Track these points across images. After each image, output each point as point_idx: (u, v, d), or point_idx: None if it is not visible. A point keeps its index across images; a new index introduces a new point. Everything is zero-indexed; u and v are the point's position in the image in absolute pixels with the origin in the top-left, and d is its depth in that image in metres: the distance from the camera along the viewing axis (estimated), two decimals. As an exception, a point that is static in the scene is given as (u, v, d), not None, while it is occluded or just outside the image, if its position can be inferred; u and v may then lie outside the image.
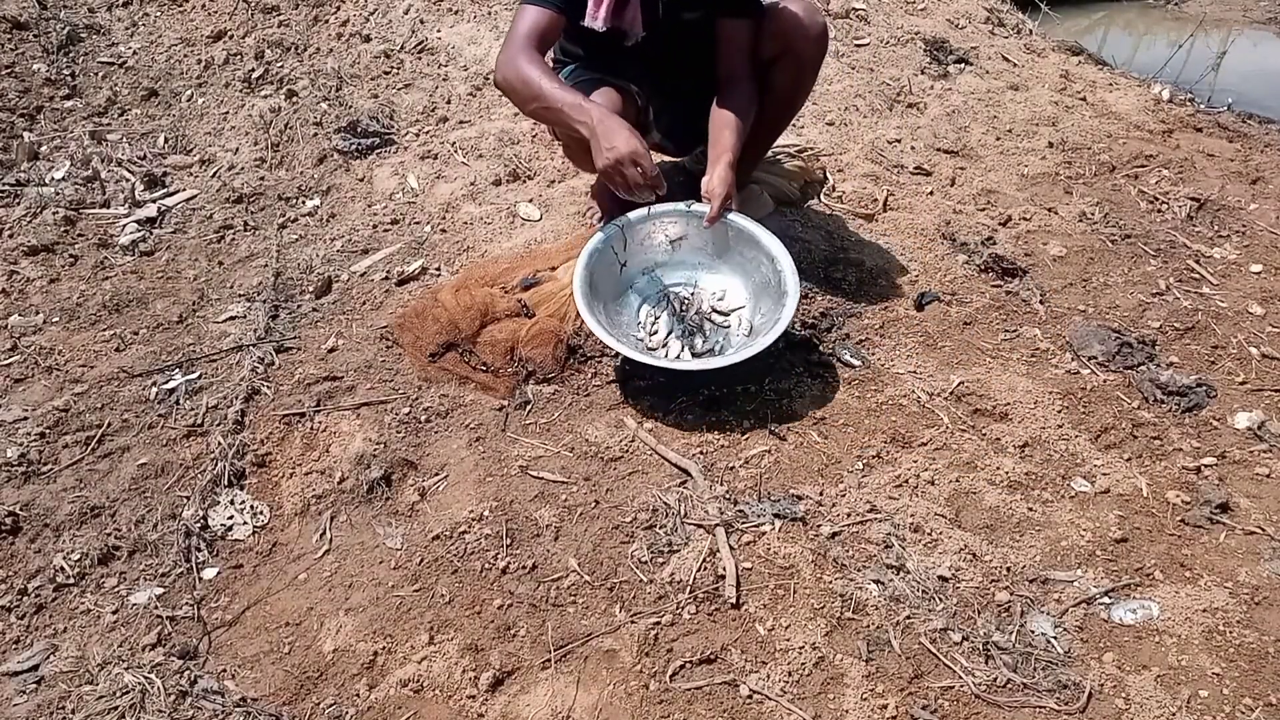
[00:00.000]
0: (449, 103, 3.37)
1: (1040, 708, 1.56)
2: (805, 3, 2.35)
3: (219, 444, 2.03)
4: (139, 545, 1.85)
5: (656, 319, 2.25)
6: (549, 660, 1.63)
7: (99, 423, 2.12)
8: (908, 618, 1.69)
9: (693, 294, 2.28)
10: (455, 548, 1.83)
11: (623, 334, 2.17)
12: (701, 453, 2.01)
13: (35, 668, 1.64)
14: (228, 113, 3.45)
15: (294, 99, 3.41)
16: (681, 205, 2.22)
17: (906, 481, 1.95)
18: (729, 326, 2.23)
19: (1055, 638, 1.66)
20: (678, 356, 2.16)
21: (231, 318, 2.47)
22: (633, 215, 2.24)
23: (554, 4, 2.15)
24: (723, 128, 2.24)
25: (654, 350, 2.18)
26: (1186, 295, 2.56)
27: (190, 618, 1.72)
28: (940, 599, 1.72)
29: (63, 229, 2.81)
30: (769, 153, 2.81)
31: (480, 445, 2.05)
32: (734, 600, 1.71)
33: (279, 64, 3.64)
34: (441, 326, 2.29)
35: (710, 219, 2.17)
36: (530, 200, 2.85)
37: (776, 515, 1.86)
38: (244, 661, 1.66)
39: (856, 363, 2.27)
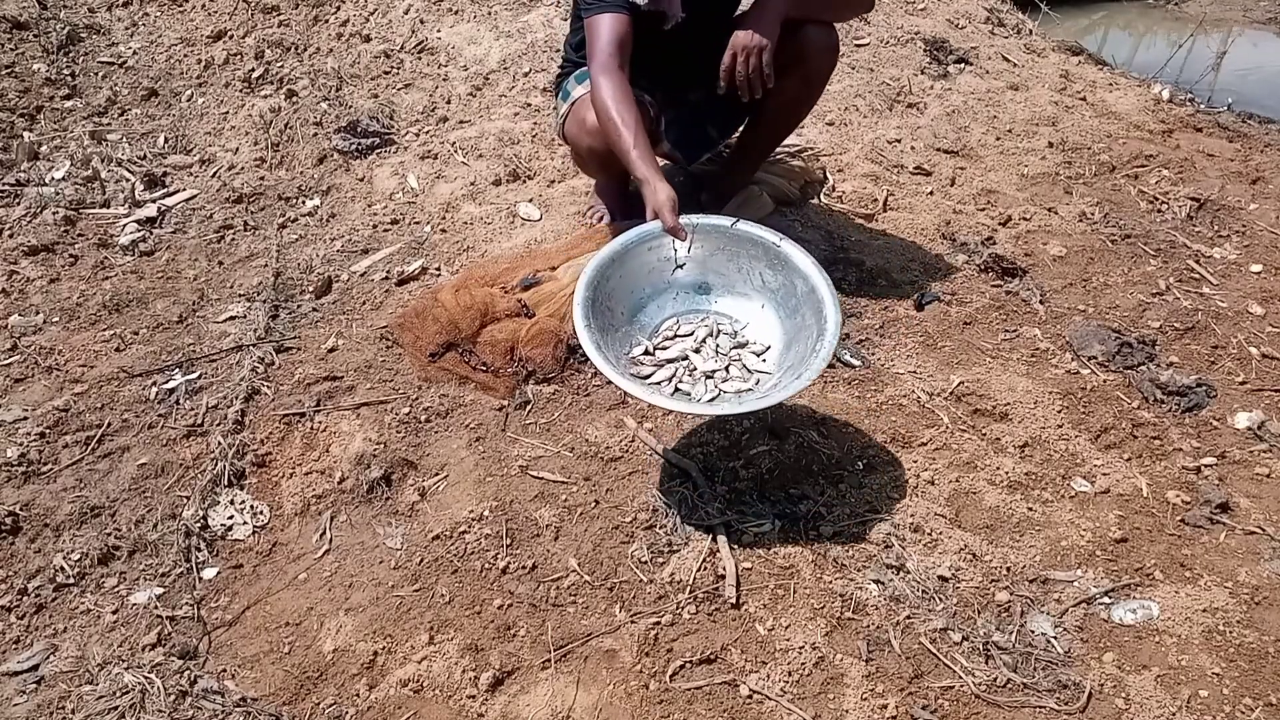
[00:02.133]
0: (449, 103, 3.37)
1: (1040, 708, 1.56)
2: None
3: (219, 444, 2.03)
4: (139, 545, 1.85)
5: (674, 336, 1.98)
6: (549, 660, 1.63)
7: (99, 423, 2.12)
8: (908, 618, 1.69)
9: (735, 334, 1.99)
10: (455, 548, 1.83)
11: (629, 329, 1.98)
12: (701, 453, 2.01)
13: (35, 668, 1.64)
14: (228, 113, 3.45)
15: (294, 99, 3.41)
16: (772, 237, 1.96)
17: (906, 481, 1.95)
18: (744, 386, 1.90)
19: (1055, 638, 1.66)
20: (664, 382, 1.89)
21: (231, 318, 2.47)
22: (712, 219, 2.00)
23: (621, 4, 2.10)
24: None
25: (643, 357, 1.94)
26: (1186, 295, 2.56)
27: (190, 618, 1.72)
28: (940, 599, 1.72)
29: (63, 229, 2.81)
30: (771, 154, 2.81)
31: (480, 445, 2.05)
32: (734, 600, 1.71)
33: (279, 64, 3.64)
34: (441, 326, 2.29)
35: (723, 69, 2.12)
36: (530, 200, 2.85)
37: (776, 515, 1.86)
38: (244, 661, 1.66)
39: (856, 363, 2.27)
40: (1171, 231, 2.84)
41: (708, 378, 1.89)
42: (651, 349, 1.95)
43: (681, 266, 2.02)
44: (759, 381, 1.88)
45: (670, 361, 1.92)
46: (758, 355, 1.94)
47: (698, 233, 1.98)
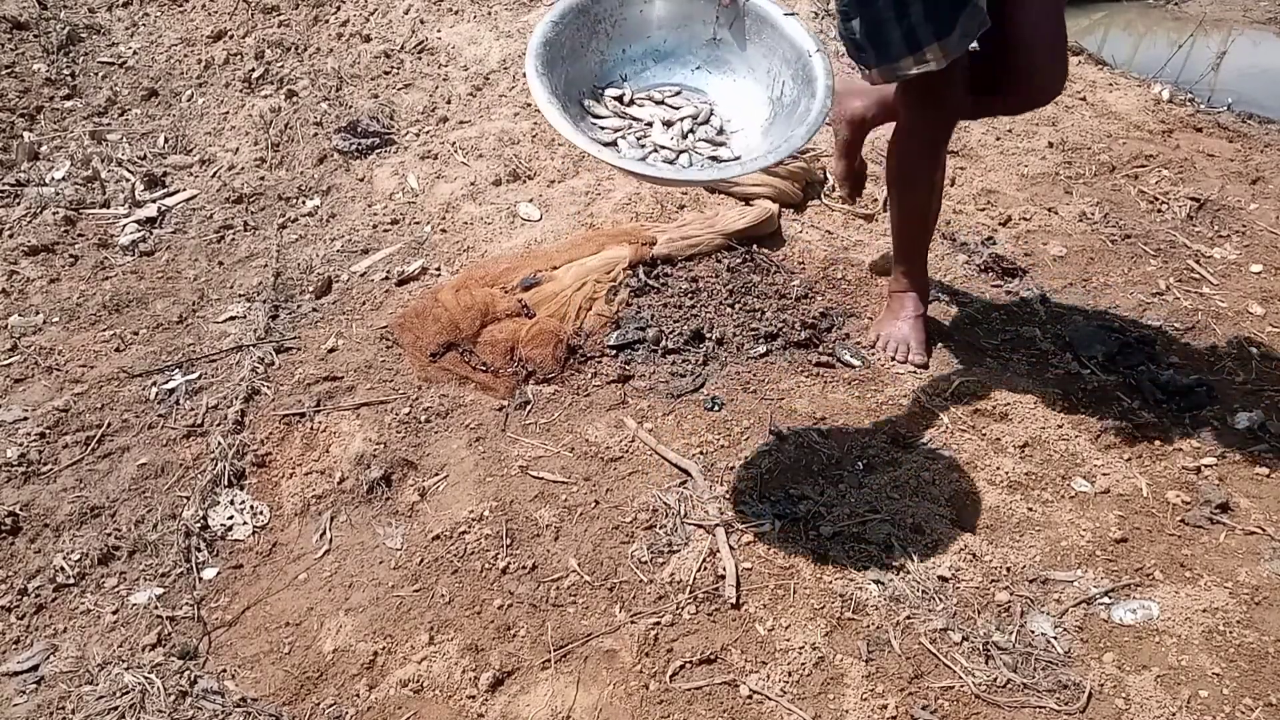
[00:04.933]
0: (449, 103, 3.37)
1: (1040, 708, 1.56)
2: (1057, 27, 1.96)
3: (219, 444, 2.03)
4: (139, 545, 1.85)
5: (659, 103, 1.79)
6: (549, 660, 1.63)
7: (99, 423, 2.12)
8: (908, 618, 1.69)
9: (721, 131, 1.77)
10: (455, 548, 1.83)
11: (618, 69, 1.80)
12: (701, 453, 2.01)
13: (35, 668, 1.64)
14: (228, 113, 3.45)
15: (294, 99, 3.41)
16: (809, 45, 1.71)
17: (906, 481, 1.95)
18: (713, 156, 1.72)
19: (1055, 638, 1.66)
20: (605, 130, 1.70)
21: (231, 318, 2.47)
22: (768, 5, 1.77)
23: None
24: None
25: (609, 100, 1.76)
26: (1186, 295, 2.56)
27: (190, 618, 1.72)
28: (940, 599, 1.72)
29: (63, 229, 2.81)
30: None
31: (480, 445, 2.05)
32: (734, 600, 1.71)
33: (279, 64, 3.64)
34: (441, 326, 2.29)
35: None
36: (530, 200, 2.85)
37: (776, 515, 1.86)
38: (244, 661, 1.66)
39: (856, 363, 2.27)
40: (1171, 231, 2.84)
41: (655, 151, 1.69)
42: (626, 99, 1.76)
43: (717, 40, 1.82)
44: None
45: (631, 119, 1.73)
46: (719, 160, 1.71)
47: (749, 10, 1.77)
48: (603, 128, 1.70)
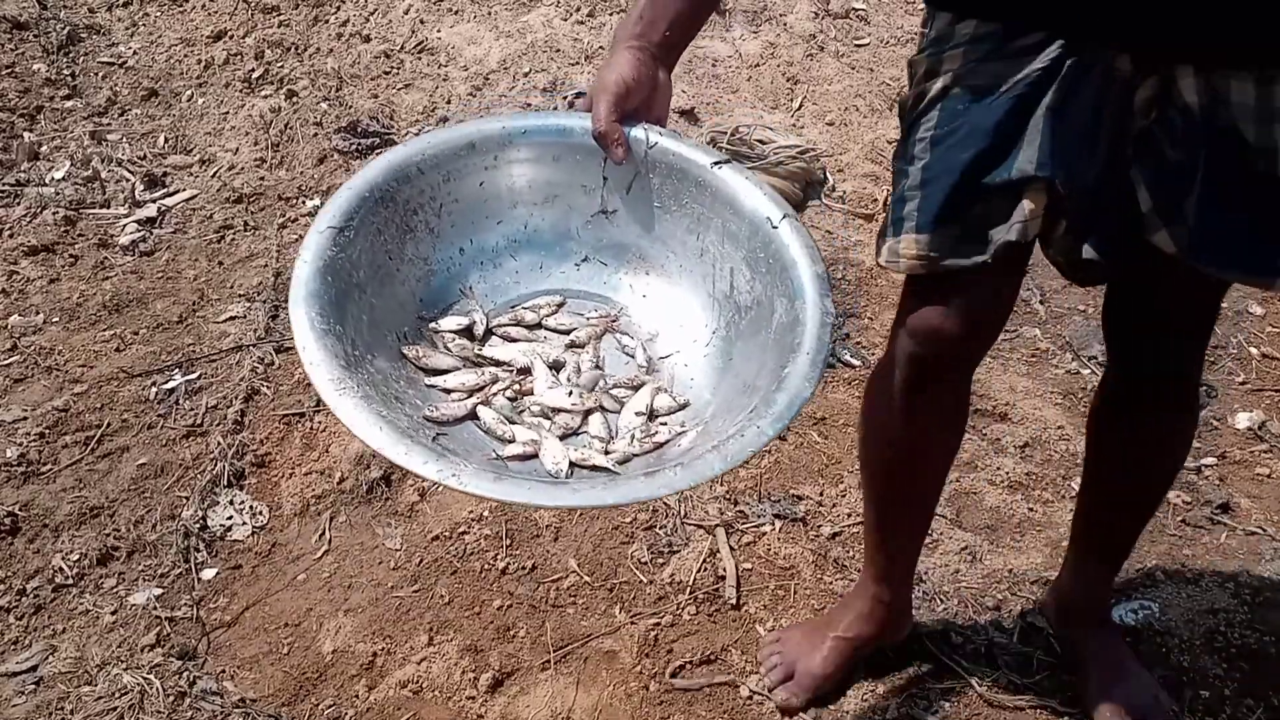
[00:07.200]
0: (449, 103, 3.37)
1: (1040, 708, 1.56)
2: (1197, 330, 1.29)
3: (219, 444, 2.03)
4: (138, 545, 1.85)
5: (536, 326, 1.13)
6: (549, 661, 1.63)
7: (99, 423, 2.11)
8: (908, 618, 1.69)
9: (648, 366, 1.10)
10: (455, 548, 1.82)
11: (466, 274, 1.15)
12: (701, 453, 2.01)
13: (34, 668, 1.64)
14: (228, 113, 3.45)
15: (294, 99, 3.41)
16: (772, 209, 1.06)
17: (907, 482, 1.95)
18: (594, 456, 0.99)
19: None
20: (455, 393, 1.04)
21: (231, 318, 2.46)
22: (684, 146, 1.11)
23: None
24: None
25: (449, 333, 1.10)
26: (1187, 295, 2.56)
27: (189, 618, 1.72)
28: (940, 599, 1.72)
29: (63, 229, 2.81)
30: (771, 154, 2.81)
31: (480, 445, 2.05)
32: (734, 601, 1.71)
33: (279, 64, 3.64)
34: (441, 326, 2.29)
35: None
36: (530, 200, 2.85)
37: (776, 515, 1.86)
38: (243, 662, 1.66)
39: (856, 363, 2.27)
40: (1172, 231, 2.84)
41: (544, 418, 1.02)
42: (477, 330, 1.10)
43: (608, 214, 1.15)
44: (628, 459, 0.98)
45: (491, 365, 1.07)
46: (654, 417, 1.03)
47: (653, 164, 1.10)
48: (446, 390, 1.03)
